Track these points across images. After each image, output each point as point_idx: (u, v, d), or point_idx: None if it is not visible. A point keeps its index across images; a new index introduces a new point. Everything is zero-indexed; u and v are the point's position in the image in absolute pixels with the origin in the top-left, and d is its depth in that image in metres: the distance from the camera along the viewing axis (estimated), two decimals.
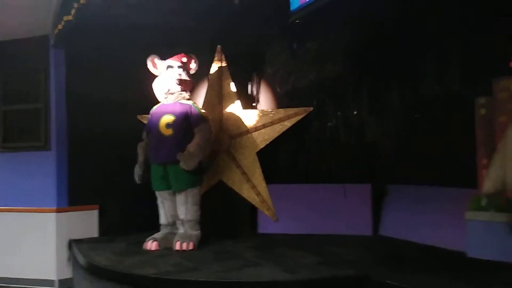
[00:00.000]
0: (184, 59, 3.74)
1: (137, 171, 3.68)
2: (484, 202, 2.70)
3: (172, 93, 3.64)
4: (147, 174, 3.68)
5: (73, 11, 3.33)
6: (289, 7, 3.19)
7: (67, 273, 4.02)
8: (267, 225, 4.06)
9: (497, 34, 2.84)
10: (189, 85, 3.73)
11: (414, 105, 3.63)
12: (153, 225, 3.76)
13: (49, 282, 4.03)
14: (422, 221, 3.42)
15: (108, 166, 4.18)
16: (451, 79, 3.28)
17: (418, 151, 3.55)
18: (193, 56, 3.81)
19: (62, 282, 4.02)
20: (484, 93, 3.02)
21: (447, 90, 3.31)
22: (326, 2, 2.70)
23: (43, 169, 4.13)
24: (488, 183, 2.57)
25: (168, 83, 3.63)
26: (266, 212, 4.07)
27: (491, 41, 2.90)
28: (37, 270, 4.06)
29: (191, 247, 3.42)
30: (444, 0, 3.08)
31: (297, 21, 3.03)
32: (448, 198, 3.22)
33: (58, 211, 4.06)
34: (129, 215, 4.24)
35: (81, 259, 3.43)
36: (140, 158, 3.72)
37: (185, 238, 3.47)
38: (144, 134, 3.80)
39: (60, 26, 3.65)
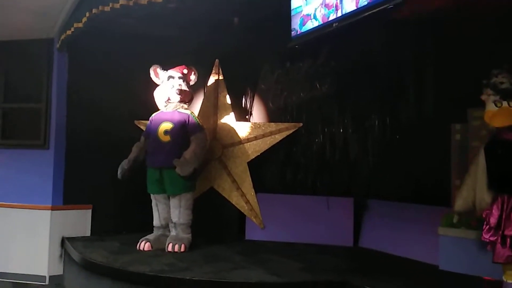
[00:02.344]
0: (185, 71, 3.92)
1: (123, 164, 3.72)
2: (455, 219, 2.94)
3: (171, 102, 3.82)
4: (130, 173, 3.73)
5: (84, 19, 3.49)
6: (285, 29, 3.44)
7: (58, 270, 4.13)
8: (254, 232, 4.25)
9: (472, 68, 3.14)
10: (188, 96, 3.89)
11: (394, 128, 3.89)
12: (145, 227, 3.91)
13: (40, 278, 4.10)
14: (399, 235, 3.66)
15: (104, 168, 4.27)
16: (430, 106, 3.58)
17: (397, 170, 3.81)
18: (193, 68, 3.99)
19: (52, 278, 4.11)
20: (459, 121, 3.31)
21: (425, 116, 3.60)
22: (325, 32, 2.98)
23: (40, 167, 4.24)
24: (459, 202, 2.73)
25: (169, 92, 3.80)
26: (254, 220, 4.26)
27: (467, 73, 3.21)
28: (29, 265, 4.14)
29: (182, 249, 3.58)
30: (424, 35, 3.38)
31: (296, 46, 3.29)
32: (423, 215, 3.47)
33: (53, 209, 4.15)
34: (121, 216, 4.37)
35: (76, 256, 3.56)
36: (132, 155, 3.79)
37: (177, 240, 3.64)
38: (142, 138, 3.93)
39: (68, 32, 3.80)
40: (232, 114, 4.46)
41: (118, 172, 3.73)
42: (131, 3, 3.14)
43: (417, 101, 3.66)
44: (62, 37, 4.06)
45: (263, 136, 4.32)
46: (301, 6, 3.32)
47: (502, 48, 2.97)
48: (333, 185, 4.25)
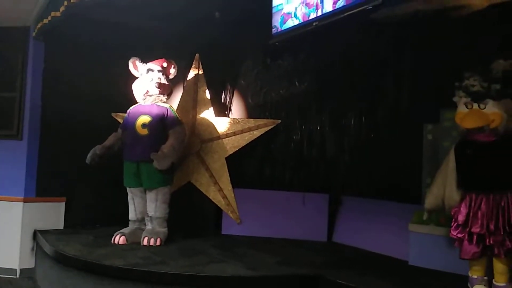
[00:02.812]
0: (165, 64, 3.89)
1: (96, 149, 3.64)
2: (425, 216, 3.03)
3: (150, 95, 3.79)
4: (100, 160, 3.64)
5: (62, 8, 3.42)
6: (265, 26, 3.47)
7: (30, 263, 4.06)
8: (231, 227, 4.28)
9: (446, 69, 3.24)
10: (167, 89, 3.87)
11: (370, 126, 3.97)
12: (119, 220, 3.88)
13: (11, 271, 4.02)
14: (371, 231, 3.76)
15: (78, 160, 4.16)
16: (405, 106, 3.68)
17: (371, 168, 3.89)
18: (173, 62, 3.96)
19: (23, 271, 4.04)
20: (432, 121, 3.42)
21: (400, 116, 3.70)
22: (305, 31, 3.02)
23: (13, 158, 4.15)
24: (429, 200, 2.79)
25: (148, 85, 3.77)
26: (231, 215, 4.29)
27: (440, 75, 3.31)
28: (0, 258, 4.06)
29: (158, 243, 3.57)
30: (401, 37, 3.46)
31: (277, 43, 3.32)
32: (395, 211, 3.56)
33: (25, 200, 4.08)
34: (96, 210, 4.32)
35: (48, 249, 3.50)
36: (107, 142, 3.73)
37: (153, 234, 3.62)
38: (119, 131, 3.89)
39: (45, 21, 3.72)
40: (211, 109, 4.45)
41: (88, 156, 3.62)
42: None
43: (393, 101, 3.75)
44: (39, 25, 3.98)
45: (242, 132, 4.34)
46: (282, 4, 3.35)
47: (475, 52, 3.08)
48: (310, 181, 4.31)
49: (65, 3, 3.37)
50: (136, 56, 3.88)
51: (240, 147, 4.33)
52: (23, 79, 4.21)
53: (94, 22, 4.01)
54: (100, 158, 3.66)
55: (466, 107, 2.57)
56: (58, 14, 3.53)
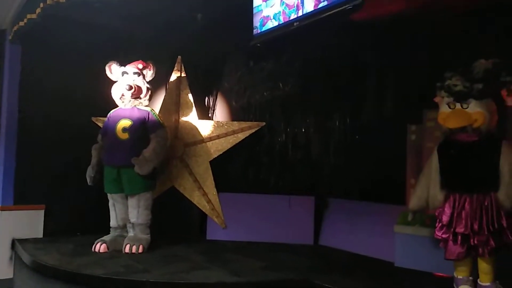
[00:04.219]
0: (140, 66, 3.79)
1: (89, 172, 3.70)
2: (410, 217, 3.02)
3: (125, 99, 3.70)
4: (99, 176, 3.70)
5: (38, 10, 3.34)
6: (248, 28, 3.44)
7: (8, 273, 3.93)
8: (216, 232, 4.22)
9: (428, 70, 3.25)
10: (141, 92, 3.73)
11: (354, 128, 3.97)
12: (101, 228, 3.79)
13: None
14: (357, 233, 3.74)
15: (57, 166, 4.14)
16: (388, 107, 3.67)
17: (357, 170, 3.88)
18: (150, 63, 3.84)
19: (1, 282, 3.90)
20: (415, 122, 3.42)
21: (383, 117, 3.70)
22: (286, 31, 2.99)
23: None
24: (414, 201, 2.79)
25: (121, 88, 3.68)
26: (216, 220, 4.23)
27: (422, 76, 3.31)
28: None
29: (140, 250, 3.50)
30: (383, 37, 3.47)
31: (258, 44, 3.29)
32: (380, 213, 3.56)
33: (2, 209, 3.97)
34: (76, 217, 4.21)
35: (26, 259, 3.39)
36: (94, 160, 3.74)
37: (135, 241, 3.54)
38: (99, 137, 3.82)
39: (21, 23, 3.63)
40: (194, 112, 4.40)
41: (88, 181, 3.70)
42: None
43: (376, 102, 3.75)
44: (15, 28, 3.87)
45: (226, 135, 4.29)
46: (260, 5, 3.32)
47: (456, 52, 3.09)
48: (295, 184, 4.29)
49: (41, 4, 3.29)
50: (116, 59, 3.80)
51: (224, 151, 4.28)
52: None
53: (72, 24, 3.92)
54: (96, 175, 3.69)
55: (449, 107, 2.57)
56: (34, 16, 3.44)
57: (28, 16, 3.50)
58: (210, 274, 2.94)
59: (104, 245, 3.54)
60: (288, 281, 2.90)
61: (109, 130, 3.69)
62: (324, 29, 3.11)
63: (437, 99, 2.66)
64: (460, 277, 2.59)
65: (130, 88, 3.65)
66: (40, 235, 4.11)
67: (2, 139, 4.07)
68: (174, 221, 4.24)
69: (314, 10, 2.79)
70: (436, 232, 2.64)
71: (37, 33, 3.91)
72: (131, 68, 3.76)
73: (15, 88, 4.12)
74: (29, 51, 4.15)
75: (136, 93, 3.70)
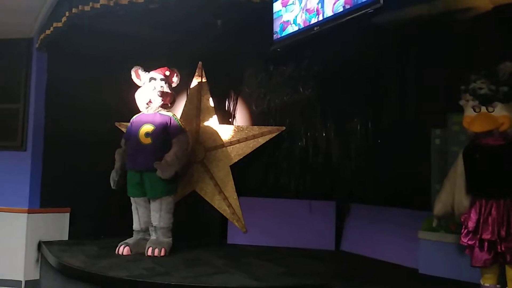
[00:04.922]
0: (167, 73, 3.87)
1: (113, 176, 3.76)
2: (434, 223, 2.96)
3: (153, 104, 3.78)
4: (122, 180, 3.77)
5: (64, 19, 3.43)
6: (268, 33, 3.45)
7: (35, 275, 4.03)
8: (236, 236, 4.22)
9: (453, 74, 3.19)
10: (170, 98, 3.84)
11: (376, 132, 3.93)
12: (124, 231, 3.85)
13: (16, 283, 4.00)
14: (380, 239, 3.68)
15: (82, 170, 4.22)
16: (411, 111, 3.62)
17: (379, 174, 3.84)
18: (175, 70, 3.94)
19: (28, 283, 4.01)
20: (439, 126, 3.35)
21: (407, 121, 3.64)
22: (306, 36, 2.99)
23: (17, 169, 4.14)
24: (438, 206, 2.76)
25: (150, 94, 3.74)
26: (236, 224, 4.24)
27: (448, 79, 3.25)
28: (4, 270, 4.03)
29: (162, 253, 3.53)
30: (406, 40, 3.42)
31: (278, 49, 3.30)
32: (404, 219, 3.50)
33: (29, 212, 4.06)
34: (100, 220, 4.27)
35: (52, 261, 3.47)
36: (117, 164, 3.80)
37: (157, 244, 3.58)
38: (122, 141, 3.89)
39: (48, 31, 3.73)
40: (215, 117, 4.43)
41: (112, 185, 3.76)
42: (111, 3, 3.11)
43: (399, 106, 3.70)
44: (42, 36, 3.99)
45: (246, 139, 4.30)
46: (280, 10, 3.33)
47: (480, 54, 3.02)
48: (316, 188, 4.26)
49: (67, 13, 3.38)
50: (138, 65, 3.87)
51: (244, 155, 4.29)
52: (26, 91, 4.22)
53: (96, 32, 4.01)
54: (119, 179, 3.75)
55: (474, 110, 2.51)
56: (60, 24, 3.53)
57: (55, 24, 3.59)
58: (230, 278, 2.94)
59: (127, 247, 3.59)
60: (308, 286, 2.88)
61: (132, 135, 3.76)
62: (345, 32, 3.09)
63: (462, 103, 2.62)
64: (487, 284, 2.53)
65: (162, 94, 3.72)
66: (66, 238, 4.20)
67: (29, 145, 4.18)
68: (195, 225, 4.27)
69: (335, 14, 2.78)
70: (462, 238, 2.58)
71: (63, 41, 4.01)
72: (158, 74, 3.83)
73: (41, 95, 4.24)
74: (55, 59, 4.26)
75: (165, 100, 3.76)
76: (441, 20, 3.20)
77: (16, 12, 3.81)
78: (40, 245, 4.05)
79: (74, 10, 3.31)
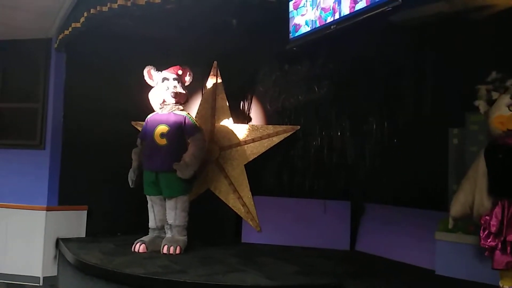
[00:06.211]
0: (180, 72, 3.87)
1: (131, 176, 3.80)
2: (450, 224, 2.93)
3: (167, 104, 3.79)
4: (139, 179, 3.80)
5: (82, 19, 3.47)
6: (283, 32, 3.45)
7: (53, 271, 4.10)
8: (251, 235, 4.23)
9: (470, 72, 3.14)
10: (183, 97, 3.84)
11: (392, 131, 3.89)
12: (140, 229, 3.90)
13: (34, 279, 4.08)
14: (395, 239, 3.65)
15: (100, 168, 4.27)
16: (428, 110, 3.57)
17: (395, 174, 3.80)
18: (188, 69, 3.93)
19: (46, 279, 4.08)
20: (457, 125, 3.30)
21: (423, 120, 3.60)
22: (322, 35, 2.98)
23: (36, 167, 4.21)
24: (456, 207, 2.72)
25: (164, 94, 3.76)
26: (250, 223, 4.24)
27: (465, 78, 3.20)
28: (23, 266, 4.11)
29: (178, 251, 3.56)
30: (422, 39, 3.38)
31: (294, 48, 3.29)
32: (420, 219, 3.46)
33: (48, 209, 4.13)
34: (116, 218, 4.34)
35: (70, 257, 3.52)
36: (134, 163, 3.83)
37: (172, 242, 3.61)
38: (138, 141, 3.91)
39: (66, 32, 3.79)
40: (230, 116, 4.44)
41: (130, 184, 3.79)
42: (129, 4, 3.13)
43: (415, 105, 3.66)
44: (60, 37, 4.05)
45: (261, 138, 4.30)
46: (293, 11, 3.33)
47: (499, 52, 2.97)
48: (330, 188, 4.25)
49: (85, 14, 3.42)
50: (154, 65, 3.88)
51: (259, 154, 4.29)
52: (45, 90, 4.29)
53: (113, 33, 4.05)
54: (137, 179, 3.78)
55: (509, 109, 2.47)
56: (78, 25, 3.58)
57: (73, 25, 3.65)
58: (245, 277, 2.95)
59: (143, 245, 3.63)
60: (322, 286, 2.86)
61: (148, 135, 3.77)
62: (362, 31, 3.07)
63: (476, 103, 2.58)
64: (506, 287, 2.48)
65: (176, 94, 3.73)
66: (83, 235, 4.26)
67: (48, 144, 4.25)
68: (210, 223, 4.29)
69: (352, 12, 2.76)
70: (482, 240, 2.54)
71: (81, 41, 4.06)
72: (171, 73, 3.84)
73: (60, 94, 4.30)
74: (73, 59, 4.32)
75: (178, 99, 3.78)
76: (460, 18, 3.15)
77: (35, 13, 3.87)
78: (58, 242, 4.12)
79: (92, 11, 3.35)
